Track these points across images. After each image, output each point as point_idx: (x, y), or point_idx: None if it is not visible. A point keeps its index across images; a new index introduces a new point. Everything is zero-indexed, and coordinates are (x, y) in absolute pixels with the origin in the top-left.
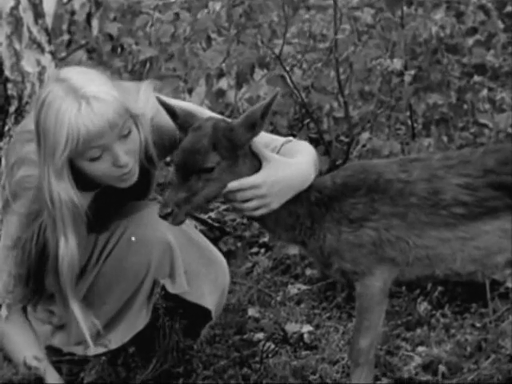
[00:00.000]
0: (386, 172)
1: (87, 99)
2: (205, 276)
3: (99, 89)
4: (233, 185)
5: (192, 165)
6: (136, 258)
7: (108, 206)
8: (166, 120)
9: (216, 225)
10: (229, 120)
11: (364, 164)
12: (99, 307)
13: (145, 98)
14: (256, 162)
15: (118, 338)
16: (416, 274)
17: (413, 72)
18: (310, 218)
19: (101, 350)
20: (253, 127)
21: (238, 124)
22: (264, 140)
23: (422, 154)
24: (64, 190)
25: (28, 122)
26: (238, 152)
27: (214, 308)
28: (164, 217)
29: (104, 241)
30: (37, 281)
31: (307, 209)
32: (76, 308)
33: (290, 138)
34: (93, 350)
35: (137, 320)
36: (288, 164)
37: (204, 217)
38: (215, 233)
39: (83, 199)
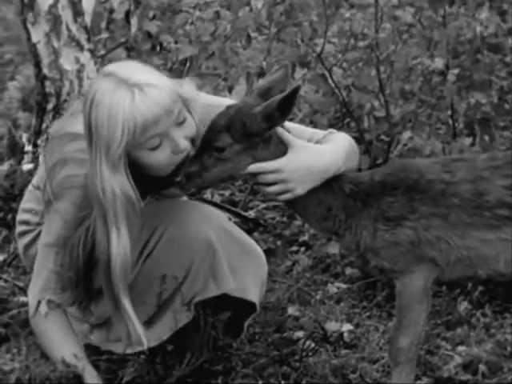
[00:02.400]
0: (427, 172)
1: (140, 86)
2: (246, 269)
3: (149, 76)
4: (251, 167)
5: (206, 141)
6: (178, 258)
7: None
8: (205, 117)
9: (250, 216)
10: (257, 104)
11: (406, 163)
12: (138, 306)
13: (189, 90)
14: (283, 148)
15: (156, 336)
16: (457, 274)
17: (456, 71)
18: (344, 211)
19: (139, 348)
20: (269, 118)
21: (258, 112)
22: (306, 135)
23: (467, 155)
24: (119, 184)
25: (66, 125)
26: (254, 138)
27: (258, 300)
28: (174, 184)
29: (145, 240)
30: (86, 282)
31: (341, 201)
32: (128, 305)
33: (333, 130)
34: (131, 348)
35: (177, 318)
36: (313, 150)
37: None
38: (249, 225)
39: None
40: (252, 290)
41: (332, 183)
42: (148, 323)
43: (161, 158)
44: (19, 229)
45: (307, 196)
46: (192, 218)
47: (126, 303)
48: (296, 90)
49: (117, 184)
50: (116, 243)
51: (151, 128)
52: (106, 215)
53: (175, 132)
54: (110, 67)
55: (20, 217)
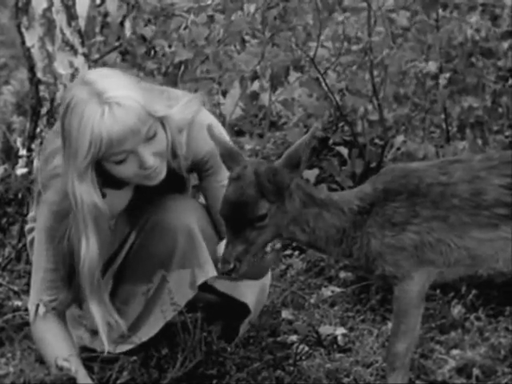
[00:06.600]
0: (426, 176)
1: (110, 105)
2: None
3: (122, 93)
4: None
5: (244, 217)
6: (160, 244)
7: (142, 202)
8: (195, 137)
9: None
10: (263, 161)
11: (404, 168)
12: (130, 296)
13: (182, 108)
14: (301, 194)
15: (147, 332)
16: (459, 275)
17: (448, 75)
18: (354, 228)
19: (128, 346)
20: (297, 166)
21: (281, 166)
22: None
23: (463, 156)
24: (86, 193)
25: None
26: (284, 193)
27: (250, 302)
28: (227, 273)
29: (129, 228)
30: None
31: (352, 220)
32: (94, 306)
33: None
34: (121, 347)
35: (164, 312)
36: None
37: None
38: None
39: (119, 198)
40: (245, 290)
41: (342, 206)
42: (139, 322)
43: (127, 171)
44: (29, 225)
45: (325, 230)
46: (175, 206)
47: (93, 306)
48: (314, 133)
49: (84, 192)
50: (85, 249)
51: (116, 146)
52: (78, 221)
53: (143, 149)
54: (91, 75)
55: (31, 214)
